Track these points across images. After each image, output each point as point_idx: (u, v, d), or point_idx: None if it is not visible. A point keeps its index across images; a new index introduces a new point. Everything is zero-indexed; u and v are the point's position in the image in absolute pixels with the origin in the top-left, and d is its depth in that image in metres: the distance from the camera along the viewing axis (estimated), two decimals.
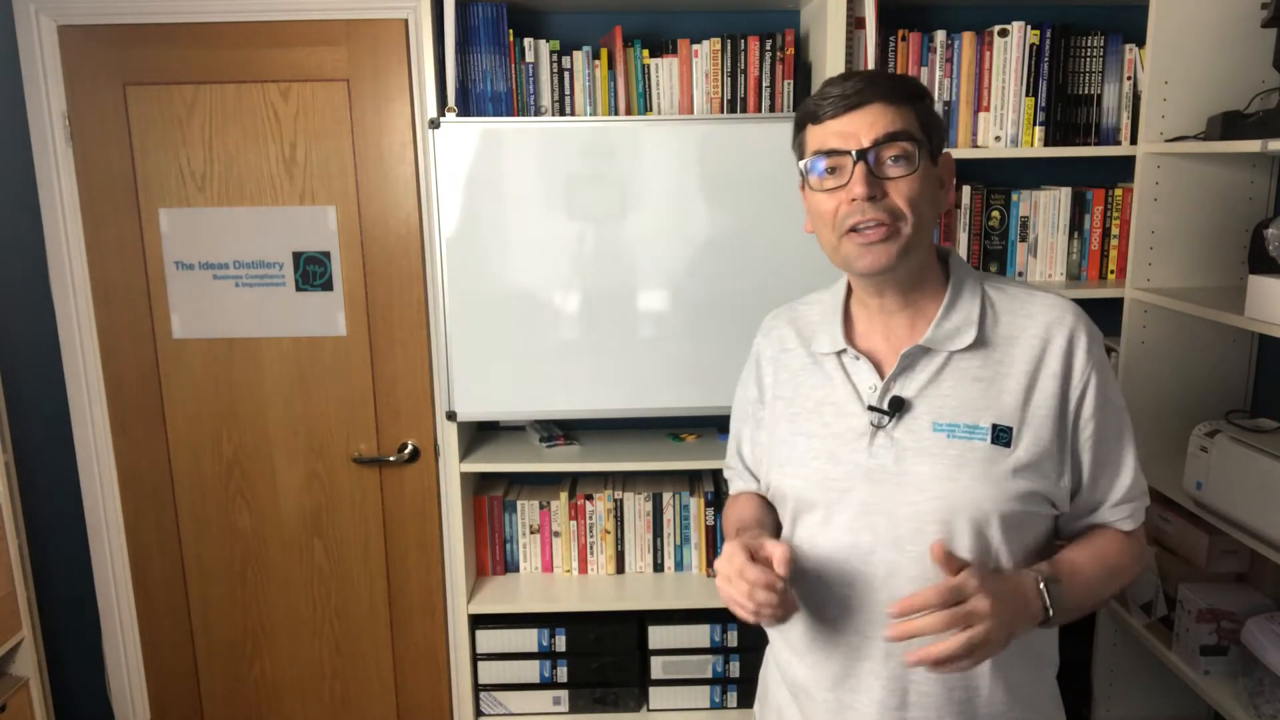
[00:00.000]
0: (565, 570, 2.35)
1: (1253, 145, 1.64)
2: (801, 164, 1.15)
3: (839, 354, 1.21)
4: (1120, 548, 1.18)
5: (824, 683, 1.19)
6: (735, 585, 1.07)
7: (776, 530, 1.28)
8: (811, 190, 1.13)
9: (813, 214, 1.15)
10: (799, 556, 1.18)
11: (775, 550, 1.07)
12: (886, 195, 1.08)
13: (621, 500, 2.30)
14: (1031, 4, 2.16)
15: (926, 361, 1.15)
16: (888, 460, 1.13)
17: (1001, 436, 1.11)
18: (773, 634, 1.30)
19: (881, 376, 1.17)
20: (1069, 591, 1.09)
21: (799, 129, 1.16)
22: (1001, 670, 1.14)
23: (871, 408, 1.15)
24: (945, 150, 1.17)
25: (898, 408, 1.14)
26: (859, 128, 1.08)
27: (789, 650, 1.25)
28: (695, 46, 2.11)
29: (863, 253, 1.10)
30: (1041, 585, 1.06)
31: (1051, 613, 1.06)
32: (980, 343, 1.14)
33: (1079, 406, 1.14)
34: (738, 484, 1.41)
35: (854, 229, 1.09)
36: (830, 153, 1.10)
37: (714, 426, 2.39)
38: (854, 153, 1.08)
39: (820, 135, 1.11)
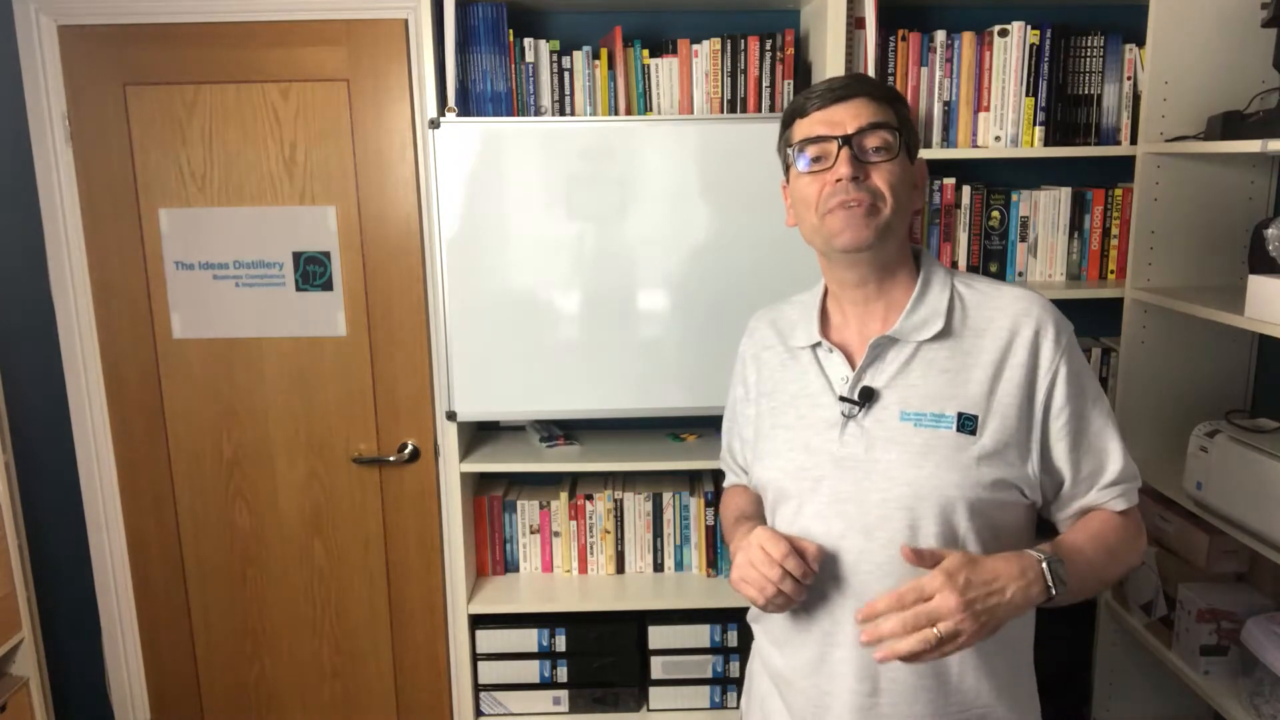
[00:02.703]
0: (565, 570, 2.35)
1: (1253, 145, 1.64)
2: (790, 151, 1.20)
3: (814, 347, 1.25)
4: (1117, 526, 1.19)
5: (801, 670, 1.22)
6: (768, 569, 1.12)
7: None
8: (796, 177, 1.18)
9: (796, 200, 1.20)
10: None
11: (809, 547, 1.14)
12: (869, 177, 1.14)
13: (621, 500, 2.30)
14: (1031, 4, 2.16)
15: (896, 352, 1.19)
16: (858, 449, 1.17)
17: (967, 424, 1.14)
18: (756, 629, 1.34)
19: (853, 367, 1.20)
20: (1072, 570, 1.09)
21: (786, 126, 1.22)
22: (972, 657, 1.16)
23: (842, 398, 1.19)
24: (921, 158, 1.23)
25: (867, 398, 1.18)
26: (844, 117, 1.15)
27: (770, 642, 1.29)
28: (695, 46, 2.11)
29: (844, 226, 1.14)
30: (1044, 565, 1.06)
31: (1055, 591, 1.06)
32: (948, 333, 1.18)
33: (1049, 397, 1.16)
34: (730, 478, 1.47)
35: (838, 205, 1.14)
36: (817, 139, 1.15)
37: (714, 426, 2.38)
38: (840, 138, 1.13)
39: (807, 125, 1.17)
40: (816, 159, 1.15)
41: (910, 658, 1.00)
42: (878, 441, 1.16)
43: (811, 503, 1.19)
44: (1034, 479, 1.17)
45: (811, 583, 1.14)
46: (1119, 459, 1.20)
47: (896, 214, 1.15)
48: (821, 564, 1.16)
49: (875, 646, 1.14)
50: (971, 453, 1.13)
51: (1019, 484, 1.16)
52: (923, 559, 1.04)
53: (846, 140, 1.13)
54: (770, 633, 1.28)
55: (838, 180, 1.13)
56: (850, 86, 1.16)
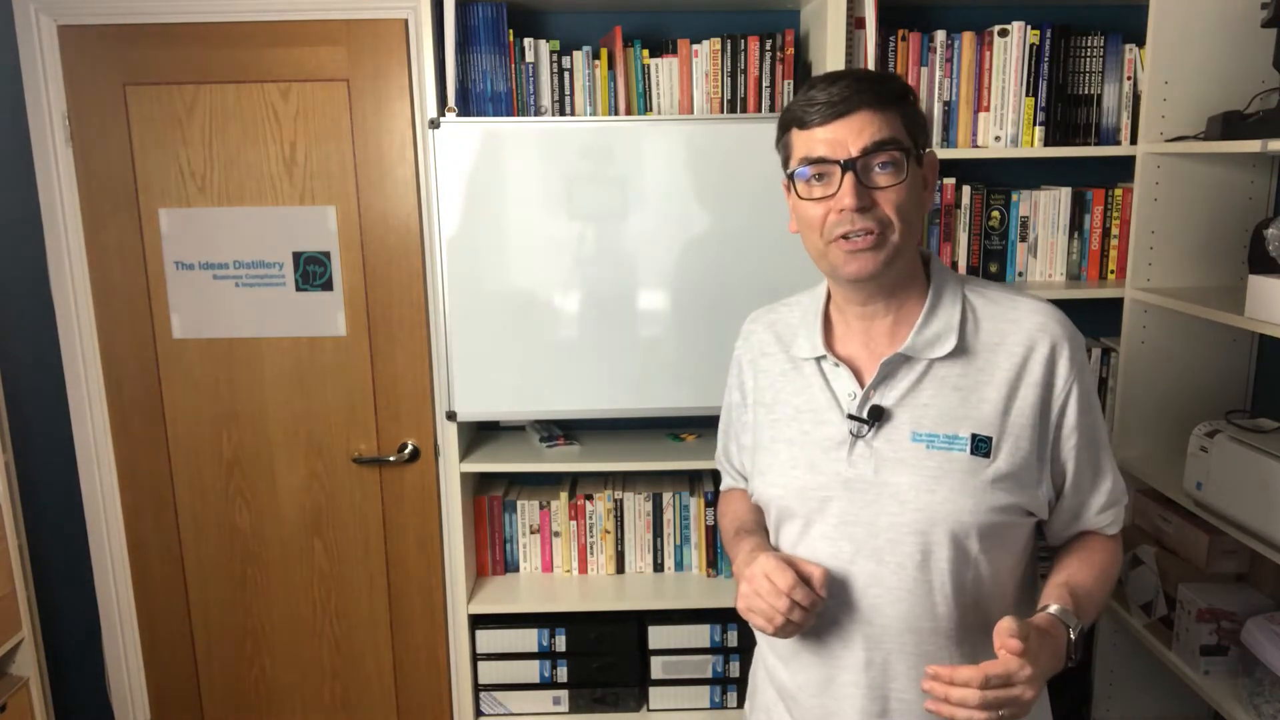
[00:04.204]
0: (565, 570, 2.35)
1: (1253, 145, 1.64)
2: (788, 169, 1.14)
3: (818, 360, 1.20)
4: (1111, 554, 1.20)
5: (808, 689, 1.20)
6: (774, 600, 1.07)
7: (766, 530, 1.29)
8: (799, 197, 1.12)
9: (799, 219, 1.15)
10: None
11: (814, 571, 1.10)
12: (875, 205, 1.07)
13: (621, 500, 2.30)
14: (1031, 4, 2.16)
15: (907, 370, 1.14)
16: (867, 470, 1.13)
17: (981, 447, 1.10)
18: (760, 639, 1.31)
19: (861, 384, 1.16)
20: (1083, 622, 1.09)
21: (784, 131, 1.15)
22: None
23: (851, 416, 1.15)
24: (929, 149, 1.16)
25: (877, 417, 1.13)
26: (847, 135, 1.07)
27: (775, 656, 1.26)
28: (695, 46, 2.11)
29: (849, 259, 1.09)
30: (1073, 637, 1.06)
31: (1074, 660, 1.06)
32: (961, 350, 1.14)
33: (1061, 416, 1.14)
34: (728, 480, 1.44)
35: (842, 236, 1.09)
36: (818, 160, 1.08)
37: (714, 426, 2.34)
38: (842, 162, 1.07)
39: (807, 142, 1.10)
40: (818, 177, 1.09)
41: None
42: (887, 463, 1.12)
43: (819, 524, 1.15)
44: (1044, 500, 1.15)
45: (821, 609, 1.11)
46: (1111, 479, 1.19)
47: (905, 237, 1.10)
48: (829, 587, 1.13)
49: (884, 668, 1.14)
50: (985, 476, 1.10)
51: (1029, 506, 1.14)
52: (1007, 640, 0.98)
53: (850, 165, 1.06)
54: (775, 648, 1.25)
55: (841, 210, 1.07)
56: (851, 100, 1.07)
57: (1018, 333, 1.14)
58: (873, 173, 1.08)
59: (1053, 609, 1.08)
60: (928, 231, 2.16)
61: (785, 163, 1.17)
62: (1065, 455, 1.15)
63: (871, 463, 1.13)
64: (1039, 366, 1.12)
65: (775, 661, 1.26)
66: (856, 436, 1.14)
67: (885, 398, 1.14)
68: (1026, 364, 1.12)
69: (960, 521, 1.10)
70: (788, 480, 1.18)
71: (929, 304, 1.15)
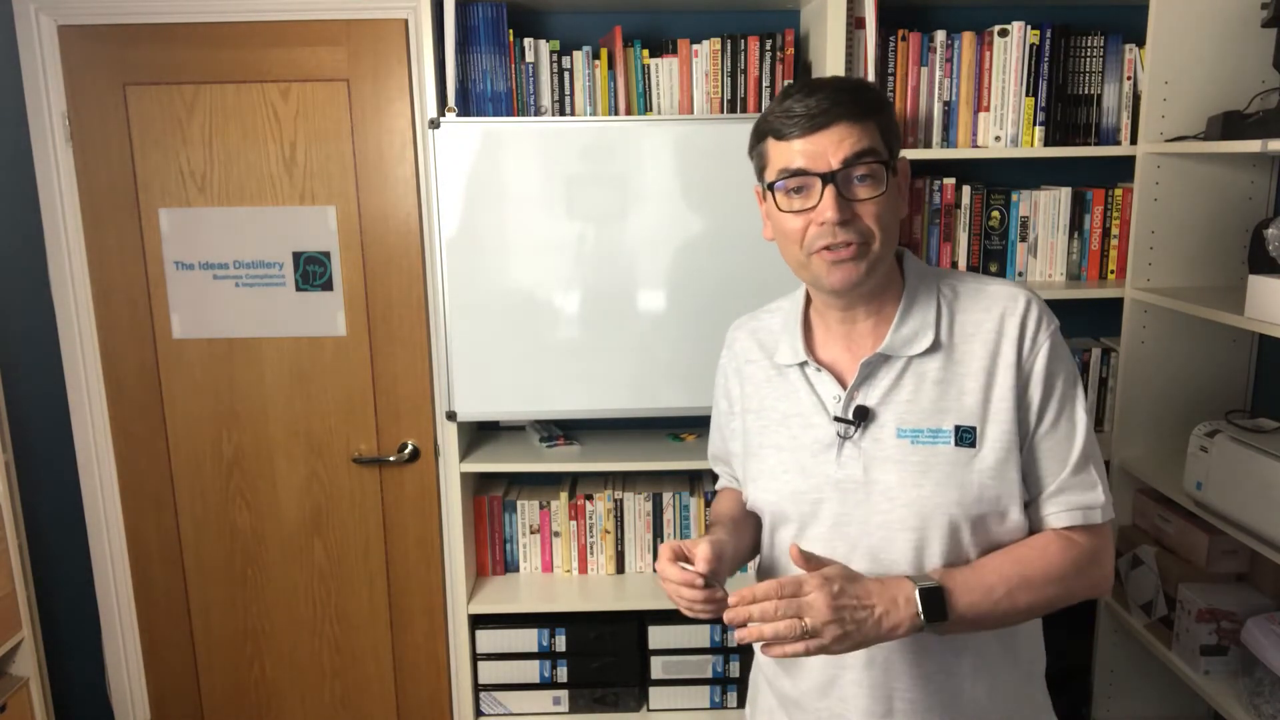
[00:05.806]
0: (565, 570, 2.35)
1: (1253, 145, 1.64)
2: (765, 180, 1.14)
3: (801, 365, 1.21)
4: (1050, 553, 1.10)
5: (811, 694, 1.20)
6: (661, 584, 1.12)
7: (755, 527, 1.29)
8: (778, 209, 1.12)
9: (777, 229, 1.14)
10: (780, 568, 1.22)
11: (698, 548, 1.10)
12: (857, 217, 1.08)
13: (621, 500, 2.30)
14: (1031, 4, 2.16)
15: (887, 369, 1.15)
16: (856, 470, 1.14)
17: (965, 438, 1.11)
18: (758, 646, 1.31)
19: (843, 386, 1.16)
20: (964, 602, 1.04)
21: (759, 139, 1.14)
22: (984, 672, 1.15)
23: (837, 418, 1.15)
24: (902, 156, 1.16)
25: (862, 417, 1.14)
26: (826, 147, 1.07)
27: (775, 665, 1.26)
28: (695, 46, 2.11)
29: (832, 270, 1.10)
30: (917, 592, 1.03)
31: (923, 620, 1.02)
32: (938, 345, 1.14)
33: (1028, 381, 1.12)
34: (722, 480, 1.45)
35: (825, 248, 1.09)
36: (797, 173, 1.08)
37: None
38: (822, 175, 1.07)
39: (785, 153, 1.09)
40: (797, 189, 1.09)
41: (774, 645, 1.00)
42: (875, 461, 1.13)
43: (813, 526, 1.16)
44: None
45: (711, 584, 1.09)
46: (1070, 467, 1.12)
47: (886, 246, 1.11)
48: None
49: (886, 667, 1.14)
50: (972, 467, 1.10)
51: (1023, 498, 1.13)
52: (808, 562, 1.04)
53: (830, 177, 1.06)
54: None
55: (823, 223, 1.07)
56: (830, 112, 1.06)
57: (989, 319, 1.14)
58: (853, 185, 1.08)
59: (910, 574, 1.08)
60: (927, 231, 2.16)
61: (760, 172, 1.16)
62: (1026, 433, 1.13)
63: (860, 463, 1.14)
64: (1010, 346, 1.12)
65: (776, 670, 1.26)
66: (844, 438, 1.15)
67: (868, 398, 1.15)
68: (999, 348, 1.13)
69: (949, 514, 1.10)
70: (779, 485, 1.19)
71: (904, 303, 1.16)
